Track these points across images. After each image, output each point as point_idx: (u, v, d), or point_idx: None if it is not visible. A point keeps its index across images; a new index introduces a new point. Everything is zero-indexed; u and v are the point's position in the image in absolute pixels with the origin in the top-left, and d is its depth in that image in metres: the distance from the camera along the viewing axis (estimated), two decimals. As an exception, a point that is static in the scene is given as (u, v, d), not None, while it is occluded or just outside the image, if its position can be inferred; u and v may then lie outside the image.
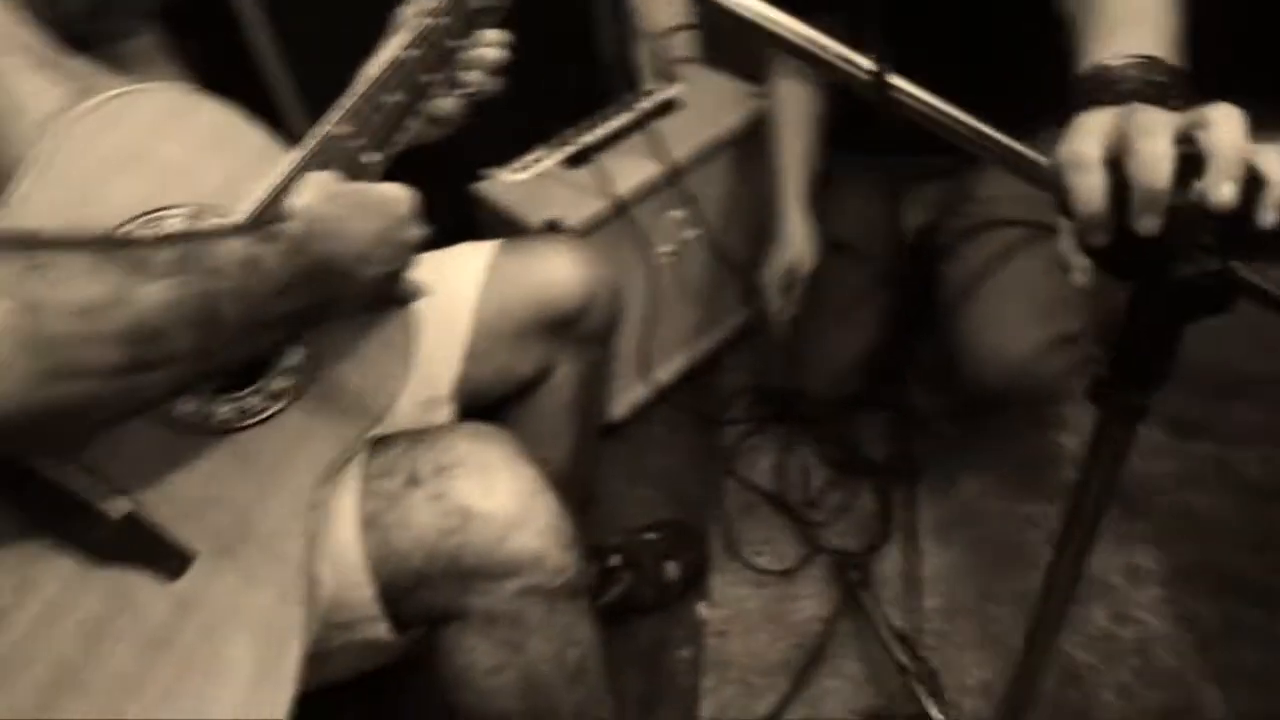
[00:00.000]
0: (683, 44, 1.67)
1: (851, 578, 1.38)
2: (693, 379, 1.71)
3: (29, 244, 0.56)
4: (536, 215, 1.41)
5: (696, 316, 1.69)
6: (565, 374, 1.15)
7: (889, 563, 1.42)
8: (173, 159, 0.74)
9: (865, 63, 0.60)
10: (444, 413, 1.05)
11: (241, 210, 0.75)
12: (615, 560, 1.39)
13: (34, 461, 0.62)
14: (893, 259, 1.42)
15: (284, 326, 0.70)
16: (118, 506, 0.64)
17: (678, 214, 1.55)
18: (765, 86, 1.46)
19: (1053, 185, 0.56)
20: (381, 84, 0.84)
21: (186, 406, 0.72)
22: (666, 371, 1.67)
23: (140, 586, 0.66)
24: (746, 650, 1.36)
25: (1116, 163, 0.54)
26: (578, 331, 1.12)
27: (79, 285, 0.56)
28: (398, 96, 0.85)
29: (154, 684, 0.65)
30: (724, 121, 1.56)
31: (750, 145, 1.60)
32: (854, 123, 1.40)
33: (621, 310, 1.18)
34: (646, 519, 1.50)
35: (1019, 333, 1.20)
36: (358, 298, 0.74)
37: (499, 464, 0.81)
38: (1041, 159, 0.58)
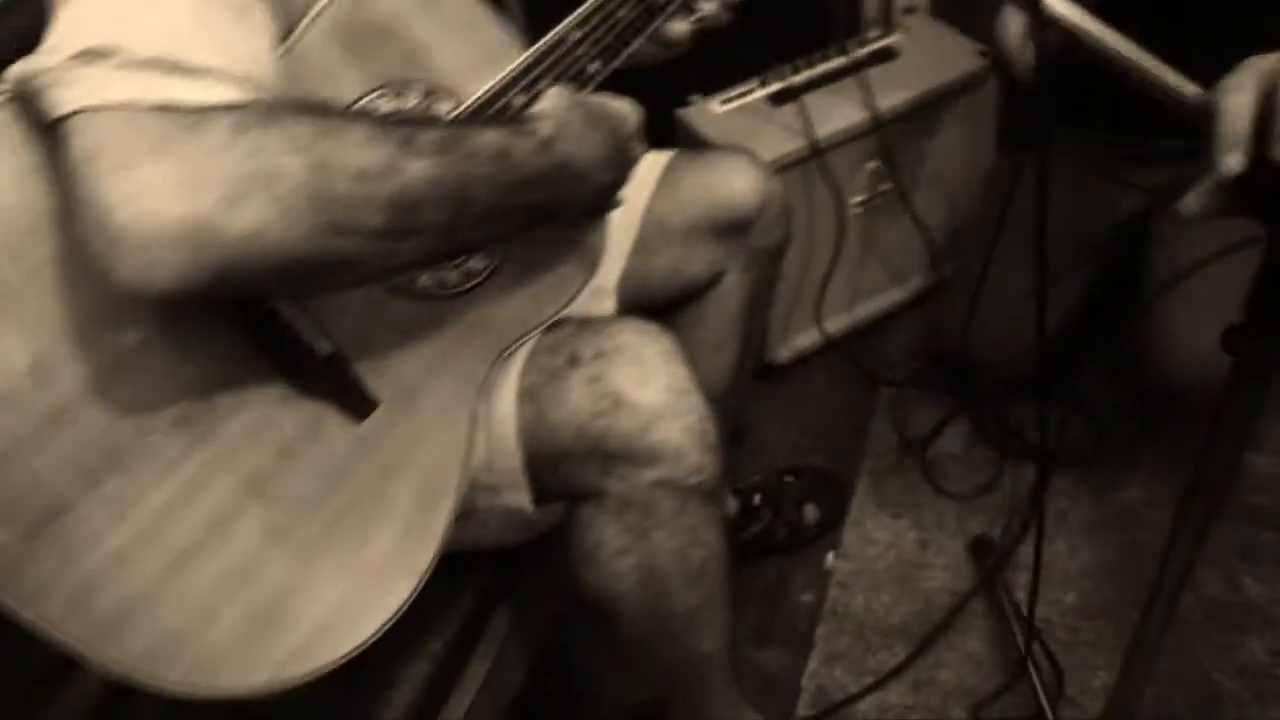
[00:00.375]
0: (915, -7, 1.63)
1: (989, 558, 1.36)
2: (862, 335, 1.69)
3: (323, 111, 0.62)
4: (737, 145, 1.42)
5: (877, 273, 1.66)
6: (733, 283, 1.16)
7: (1032, 550, 1.38)
8: (421, 37, 0.79)
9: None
10: (608, 304, 1.09)
11: (470, 97, 0.80)
12: (757, 499, 1.42)
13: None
14: (1098, 241, 1.36)
15: (519, 220, 0.74)
16: (323, 345, 0.71)
17: (875, 165, 1.53)
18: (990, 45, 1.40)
19: (1203, 111, 0.55)
20: None
21: None
22: (837, 323, 1.65)
23: (330, 421, 0.73)
24: (868, 607, 1.37)
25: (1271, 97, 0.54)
26: (748, 240, 1.14)
27: (359, 152, 0.61)
28: (632, 12, 0.87)
29: (325, 510, 0.72)
30: (939, 76, 1.51)
31: (962, 105, 1.55)
32: (1086, 94, 1.33)
33: (791, 231, 1.19)
34: (792, 463, 1.51)
35: (1216, 335, 1.13)
36: (581, 203, 0.79)
37: (656, 358, 0.84)
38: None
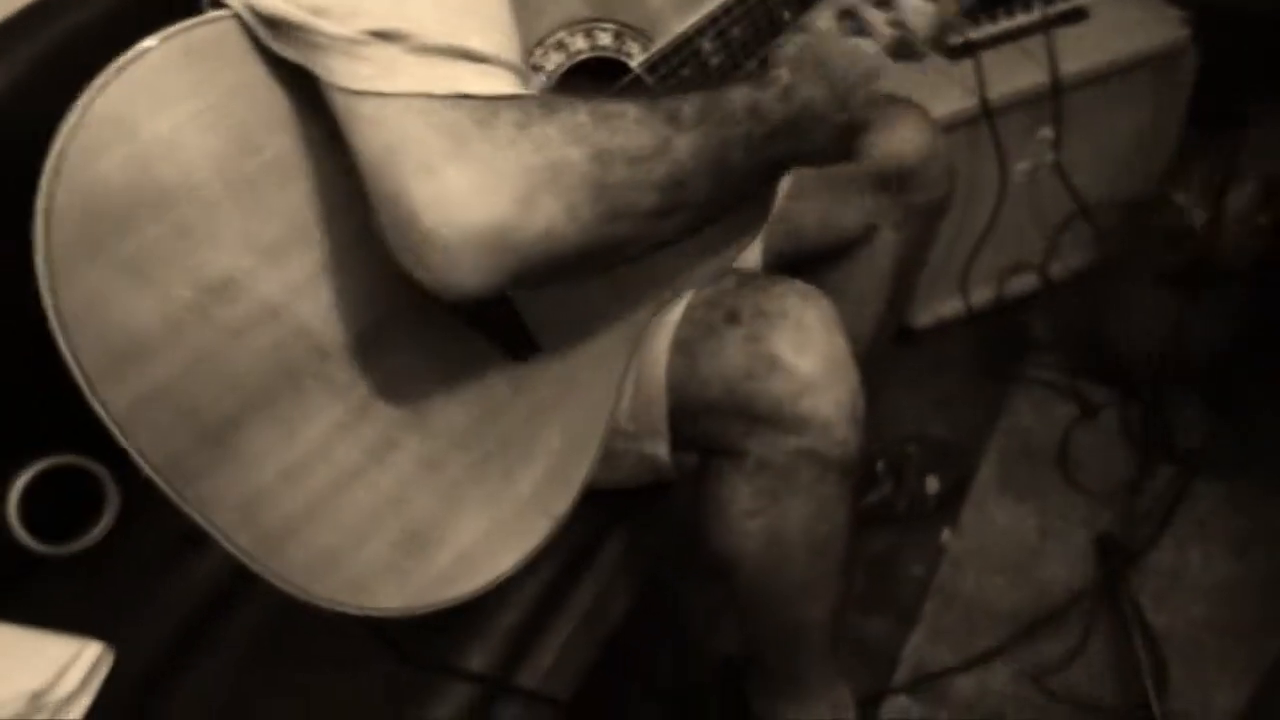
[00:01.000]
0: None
1: (1115, 557, 1.31)
2: (1009, 309, 1.62)
3: (594, 96, 0.62)
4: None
5: (1034, 246, 1.58)
6: (886, 239, 1.13)
7: (1165, 555, 1.33)
8: None
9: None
10: (754, 250, 1.06)
11: (662, 39, 0.78)
12: (880, 465, 1.39)
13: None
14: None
15: (767, 173, 0.75)
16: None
17: (1047, 133, 1.45)
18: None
19: None
20: None
21: None
22: (985, 293, 1.59)
23: (491, 359, 0.74)
24: (979, 588, 1.34)
25: None
26: (907, 195, 1.10)
27: (632, 135, 0.61)
28: None
29: (477, 446, 0.73)
30: (1130, 44, 1.42)
31: (1154, 78, 1.45)
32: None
33: (954, 190, 1.15)
34: (918, 432, 1.48)
35: None
36: (820, 148, 0.77)
37: (817, 326, 0.82)
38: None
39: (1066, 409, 1.50)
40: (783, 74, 0.73)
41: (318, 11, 0.57)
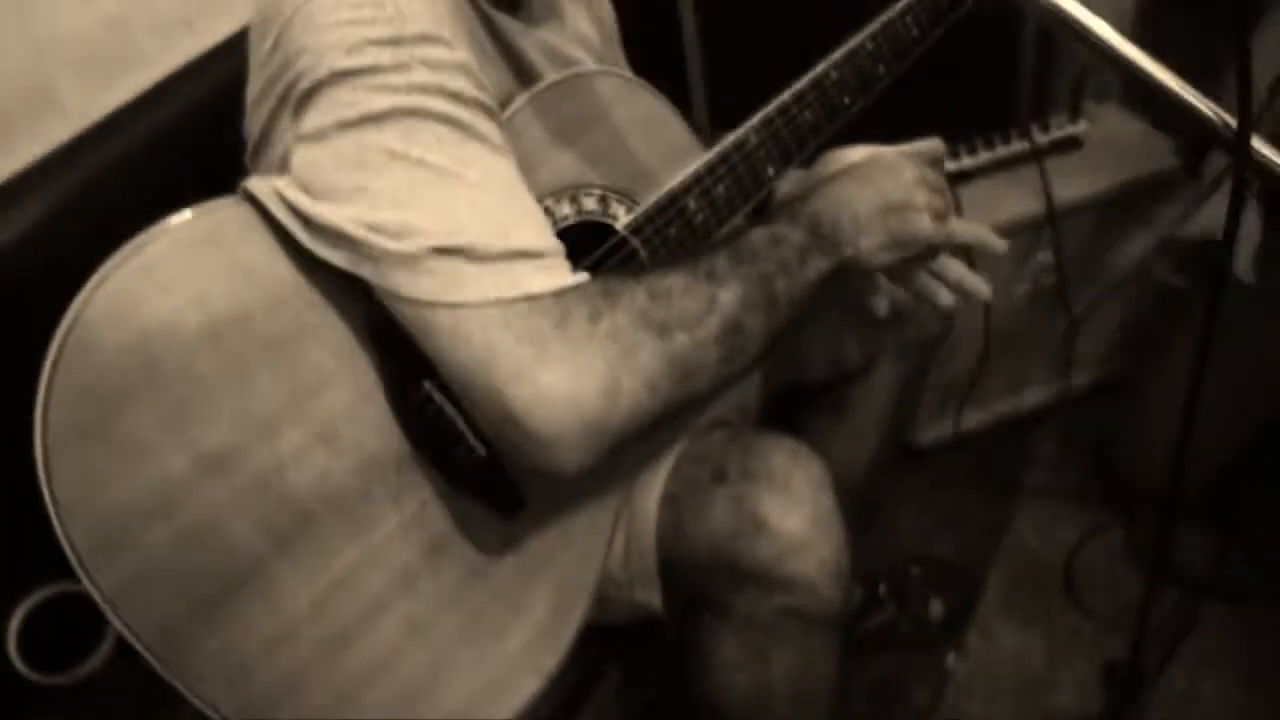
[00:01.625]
0: (1104, 80, 1.55)
1: (1123, 688, 1.29)
2: (1012, 428, 1.63)
3: (638, 275, 0.68)
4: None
5: (1033, 367, 1.59)
6: (885, 374, 1.14)
7: (1176, 683, 1.30)
8: (603, 141, 0.80)
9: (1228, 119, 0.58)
10: (751, 385, 1.08)
11: (646, 201, 0.80)
12: (882, 588, 1.38)
13: (432, 387, 0.71)
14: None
15: (820, 287, 0.77)
16: (480, 447, 0.72)
17: (1044, 257, 1.47)
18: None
19: None
20: (799, 99, 0.86)
21: None
22: (985, 413, 1.60)
23: (479, 518, 0.74)
24: (985, 716, 1.32)
25: None
26: (906, 328, 1.10)
27: (684, 303, 0.68)
28: (815, 115, 0.86)
29: (466, 606, 0.73)
30: (1125, 172, 1.44)
31: (1148, 204, 1.47)
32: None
33: (951, 322, 1.16)
34: (921, 552, 1.47)
35: None
36: (869, 255, 0.79)
37: (803, 487, 0.83)
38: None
39: (1072, 528, 1.49)
40: (790, 200, 0.78)
41: (375, 229, 0.61)
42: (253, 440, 0.64)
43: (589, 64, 0.86)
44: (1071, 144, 1.48)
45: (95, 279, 0.60)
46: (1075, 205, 1.43)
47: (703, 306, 0.68)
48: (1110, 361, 1.60)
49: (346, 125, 0.62)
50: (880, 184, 0.80)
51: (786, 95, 0.85)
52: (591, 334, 0.63)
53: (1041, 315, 1.53)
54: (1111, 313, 1.56)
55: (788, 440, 0.86)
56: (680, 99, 1.39)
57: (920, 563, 1.44)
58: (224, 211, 0.65)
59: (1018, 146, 1.47)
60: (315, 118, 0.63)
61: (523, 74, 0.80)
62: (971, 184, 1.43)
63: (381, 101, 0.62)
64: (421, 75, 0.63)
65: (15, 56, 0.92)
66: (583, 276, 0.66)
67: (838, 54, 0.90)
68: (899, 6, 0.91)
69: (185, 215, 0.63)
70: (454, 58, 0.65)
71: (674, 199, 0.81)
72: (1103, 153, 1.47)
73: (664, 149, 0.84)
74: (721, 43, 1.45)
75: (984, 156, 1.48)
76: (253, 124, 0.73)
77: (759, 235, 0.74)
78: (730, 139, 0.84)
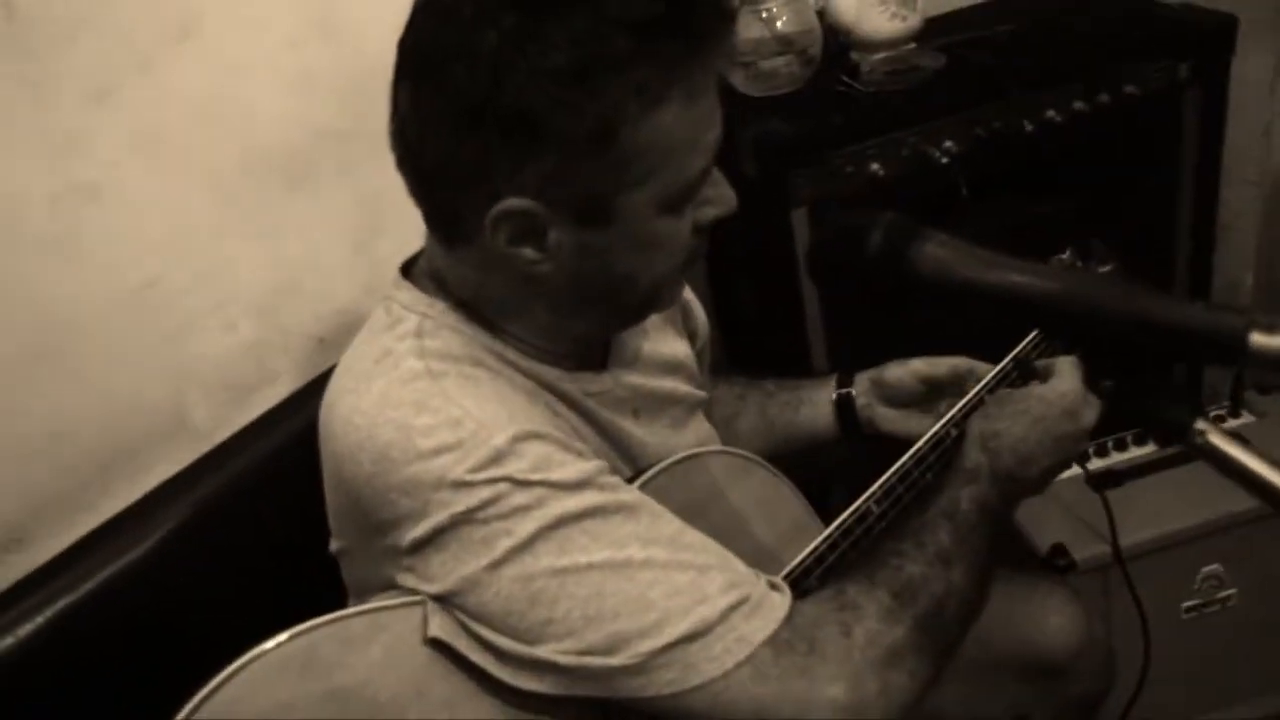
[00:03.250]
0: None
1: None
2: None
3: (871, 575, 0.71)
4: (1044, 535, 1.28)
5: (1207, 691, 1.41)
6: None
7: None
8: (720, 525, 0.77)
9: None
10: None
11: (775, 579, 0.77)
12: None
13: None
14: None
15: (999, 527, 0.79)
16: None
17: (1213, 569, 1.32)
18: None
19: None
20: (920, 461, 0.83)
21: None
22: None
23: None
24: None
25: None
26: (1061, 688, 1.00)
27: (929, 591, 0.71)
28: (930, 474, 0.84)
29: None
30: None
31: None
32: None
33: (1114, 678, 1.05)
34: None
35: None
36: (1030, 481, 0.82)
37: None
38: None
39: None
40: (972, 457, 0.80)
41: (585, 653, 0.61)
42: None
43: (677, 383, 0.87)
44: (1239, 439, 1.36)
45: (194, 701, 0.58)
46: (1240, 515, 1.29)
47: (942, 590, 0.71)
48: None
49: (498, 564, 0.61)
50: (1064, 438, 0.82)
51: (907, 459, 0.83)
52: (849, 648, 0.65)
53: (1223, 631, 1.36)
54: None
55: None
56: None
57: None
58: (332, 628, 0.62)
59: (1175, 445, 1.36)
60: (452, 564, 0.62)
61: (618, 443, 0.79)
62: (1124, 487, 1.32)
63: (522, 527, 0.61)
64: (537, 483, 0.62)
65: (155, 384, 0.96)
66: (785, 592, 0.68)
67: (953, 411, 0.88)
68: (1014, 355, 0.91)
69: (279, 638, 0.60)
70: (546, 447, 0.64)
71: (795, 582, 0.77)
72: (1271, 449, 1.34)
73: (781, 527, 0.82)
74: (843, 326, 1.42)
75: (1135, 454, 1.37)
76: (333, 522, 0.75)
77: (968, 506, 0.77)
78: (850, 511, 0.80)
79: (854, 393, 1.00)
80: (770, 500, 0.83)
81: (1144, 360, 0.53)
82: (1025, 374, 0.91)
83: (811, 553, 0.77)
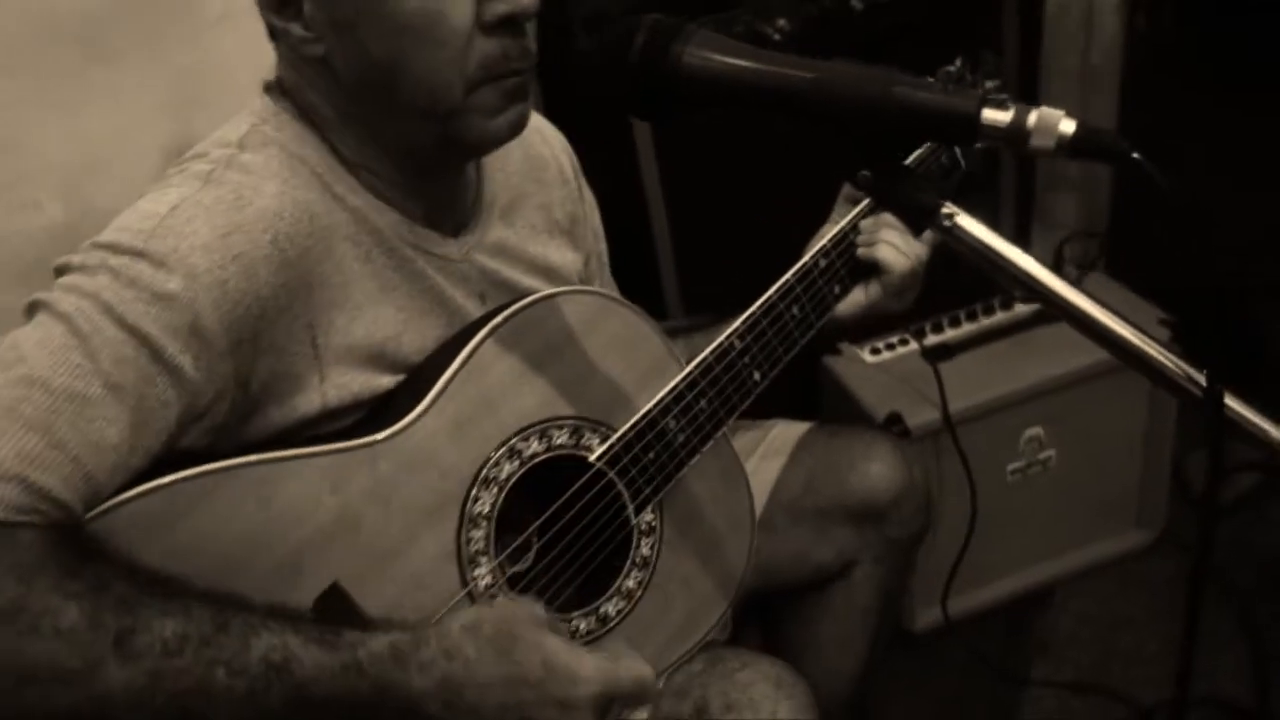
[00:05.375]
0: (1090, 249, 1.53)
1: None
2: (1012, 611, 1.53)
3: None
4: (881, 404, 1.35)
5: (1031, 545, 1.51)
6: (865, 574, 1.08)
7: None
8: (575, 370, 0.77)
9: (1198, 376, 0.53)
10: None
11: (623, 426, 0.78)
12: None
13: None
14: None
15: None
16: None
17: (1037, 431, 1.41)
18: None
19: None
20: (786, 294, 0.84)
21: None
22: (982, 596, 1.50)
23: None
24: None
25: None
26: (883, 530, 1.06)
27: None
28: (803, 310, 0.85)
29: None
30: (1113, 343, 1.40)
31: (1137, 377, 1.42)
32: None
33: (931, 519, 1.11)
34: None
35: None
36: None
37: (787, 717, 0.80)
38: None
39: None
40: (367, 640, 0.60)
41: None
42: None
43: (546, 286, 0.83)
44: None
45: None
46: (1062, 379, 1.38)
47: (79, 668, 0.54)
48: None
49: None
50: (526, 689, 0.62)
51: (772, 294, 0.83)
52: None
53: (1042, 490, 1.46)
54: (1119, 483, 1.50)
55: (770, 666, 0.83)
56: (653, 288, 1.38)
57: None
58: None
59: (999, 318, 1.44)
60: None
61: (451, 317, 0.79)
62: (955, 359, 1.39)
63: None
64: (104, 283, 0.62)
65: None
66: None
67: (824, 241, 0.88)
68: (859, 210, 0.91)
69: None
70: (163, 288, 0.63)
71: (652, 423, 0.79)
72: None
73: (641, 368, 0.81)
74: (691, 230, 1.44)
75: (967, 328, 1.44)
76: None
77: (268, 646, 0.58)
78: (711, 349, 0.81)
79: None
80: (631, 340, 0.81)
81: (897, 150, 0.55)
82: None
83: (671, 391, 0.77)
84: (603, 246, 1.01)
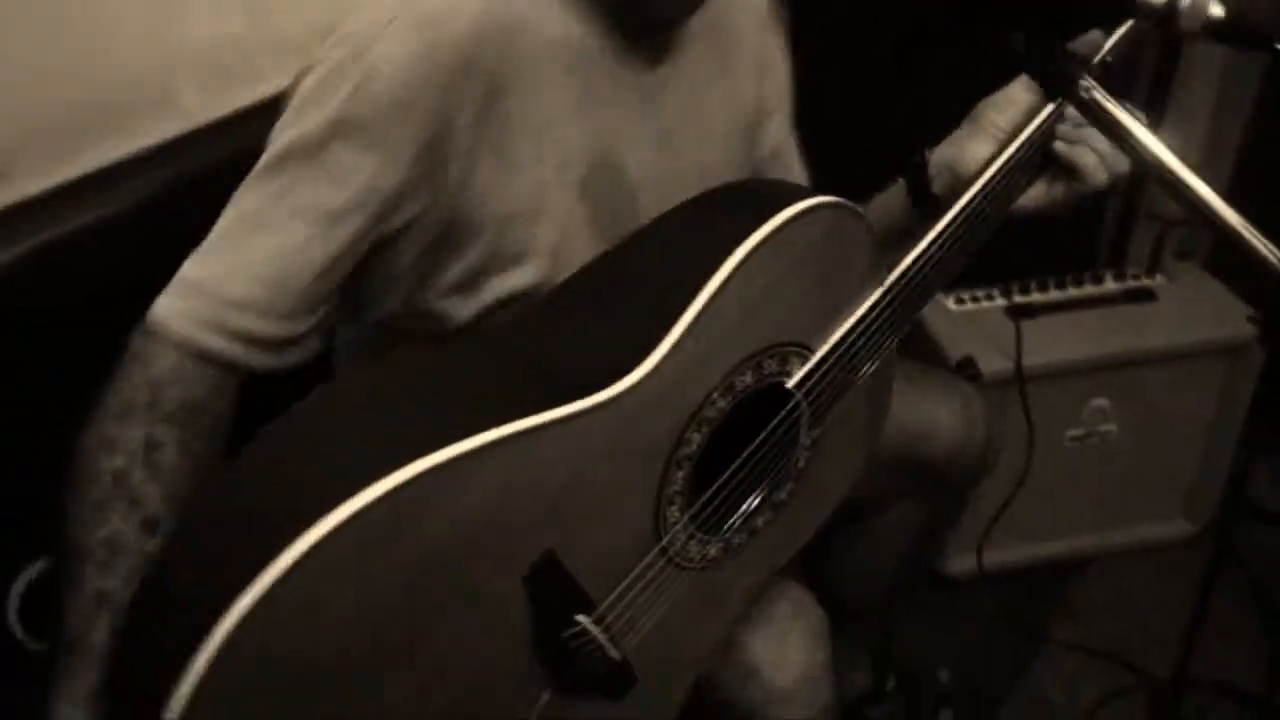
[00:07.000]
0: (1188, 241, 1.54)
1: None
2: (1047, 571, 1.58)
3: None
4: (956, 349, 1.39)
5: (1075, 514, 1.55)
6: (910, 508, 1.13)
7: None
8: (801, 290, 0.74)
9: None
10: None
11: (820, 350, 0.76)
12: (891, 682, 1.34)
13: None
14: None
15: None
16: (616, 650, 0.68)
17: (1103, 403, 1.44)
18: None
19: None
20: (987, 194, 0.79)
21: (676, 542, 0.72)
22: (1019, 553, 1.55)
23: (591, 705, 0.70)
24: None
25: None
26: (937, 477, 1.09)
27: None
28: (985, 230, 0.81)
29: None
30: (1194, 333, 1.43)
31: (1214, 369, 1.44)
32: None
33: (988, 469, 1.13)
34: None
35: None
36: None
37: (800, 641, 0.85)
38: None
39: (1095, 688, 1.43)
40: None
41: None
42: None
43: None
44: (1145, 295, 1.47)
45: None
46: (1136, 357, 1.40)
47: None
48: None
49: None
50: None
51: (975, 192, 0.79)
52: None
53: (1099, 462, 1.49)
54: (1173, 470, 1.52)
55: (793, 587, 0.87)
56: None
57: (950, 671, 1.38)
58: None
59: (1089, 289, 1.47)
60: None
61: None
62: (1037, 319, 1.42)
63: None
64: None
65: (142, 56, 0.98)
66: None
67: (1029, 130, 0.79)
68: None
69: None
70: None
71: (850, 344, 0.77)
72: (1175, 309, 1.45)
73: (851, 283, 0.78)
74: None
75: (1054, 294, 1.47)
76: None
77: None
78: (913, 257, 0.79)
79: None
80: (850, 253, 0.77)
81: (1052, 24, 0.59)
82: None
83: (872, 307, 0.77)
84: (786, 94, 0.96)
